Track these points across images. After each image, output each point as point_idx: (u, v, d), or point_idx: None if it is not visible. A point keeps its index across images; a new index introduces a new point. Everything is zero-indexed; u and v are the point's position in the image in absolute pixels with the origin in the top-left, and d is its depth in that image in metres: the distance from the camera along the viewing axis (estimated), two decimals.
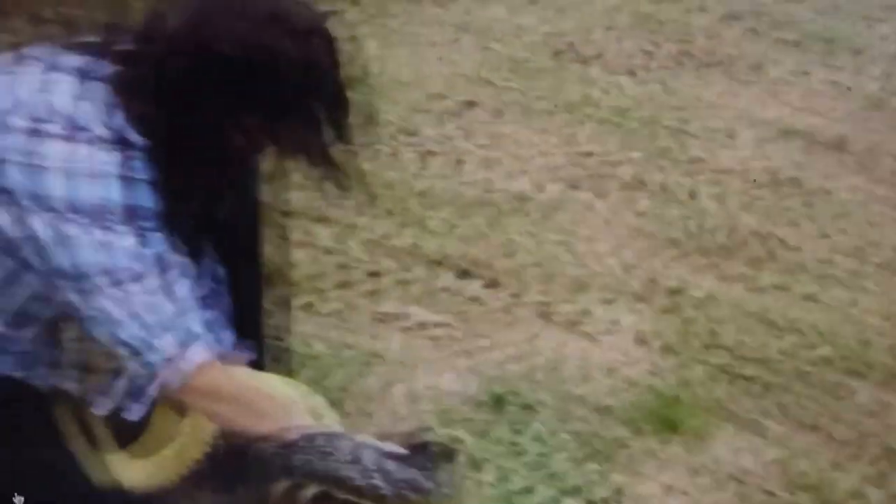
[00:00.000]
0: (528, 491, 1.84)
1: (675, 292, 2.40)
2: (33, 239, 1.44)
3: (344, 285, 2.36)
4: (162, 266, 1.47)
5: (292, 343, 2.10)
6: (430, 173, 2.84)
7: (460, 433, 1.95)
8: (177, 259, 1.50)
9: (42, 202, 1.42)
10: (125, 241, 1.44)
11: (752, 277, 2.47)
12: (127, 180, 1.44)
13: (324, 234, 2.52)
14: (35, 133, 1.42)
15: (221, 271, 1.69)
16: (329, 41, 1.51)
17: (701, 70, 3.45)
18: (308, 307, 2.27)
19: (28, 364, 1.64)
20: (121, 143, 1.44)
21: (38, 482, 1.55)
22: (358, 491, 1.56)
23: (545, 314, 2.31)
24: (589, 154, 2.96)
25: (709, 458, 1.96)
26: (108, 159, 1.43)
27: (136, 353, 1.48)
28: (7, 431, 1.56)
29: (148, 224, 1.46)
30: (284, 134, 1.50)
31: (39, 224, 1.43)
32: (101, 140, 1.43)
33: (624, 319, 2.31)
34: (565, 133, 3.06)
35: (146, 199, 1.46)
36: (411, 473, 1.59)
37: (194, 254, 1.59)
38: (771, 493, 1.91)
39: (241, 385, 1.58)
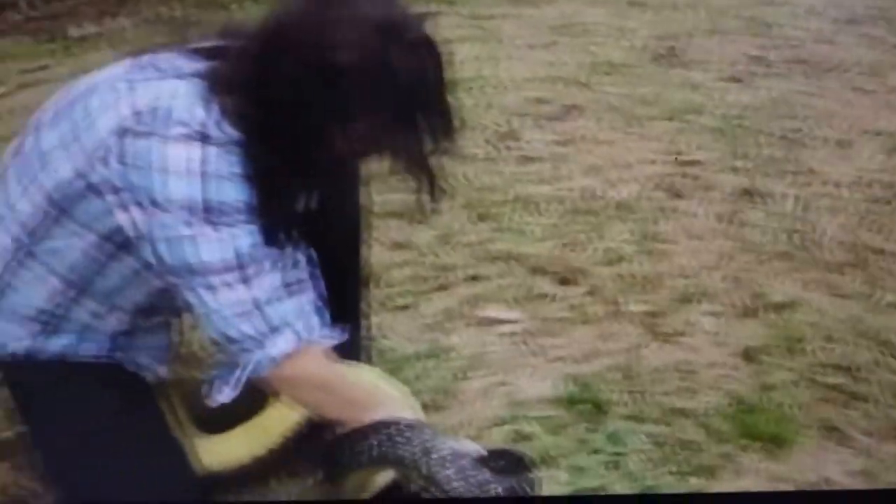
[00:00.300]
0: (602, 489, 1.80)
1: (780, 306, 2.31)
2: (149, 238, 1.46)
3: (441, 289, 2.35)
4: (255, 258, 1.49)
5: (383, 342, 2.11)
6: (529, 179, 2.80)
7: (535, 429, 1.91)
8: (268, 251, 1.52)
9: (154, 202, 1.44)
10: (225, 235, 1.46)
11: (867, 295, 2.37)
12: (223, 176, 1.46)
13: (422, 238, 2.51)
14: (147, 135, 1.45)
15: (315, 260, 1.69)
16: (437, 52, 1.51)
17: (812, 77, 3.35)
18: (403, 309, 2.27)
19: (141, 357, 1.69)
20: (218, 138, 1.45)
21: (142, 468, 1.59)
22: (431, 482, 1.57)
23: (644, 323, 2.25)
24: (694, 162, 2.89)
25: (791, 466, 1.88)
26: (207, 156, 1.45)
27: (239, 344, 1.51)
28: (116, 417, 1.61)
29: (241, 218, 1.47)
30: (387, 142, 1.50)
31: (154, 223, 1.46)
32: (202, 137, 1.45)
33: (716, 327, 2.24)
34: (668, 140, 3.00)
35: (241, 193, 1.47)
36: (486, 476, 1.59)
37: (286, 245, 1.59)
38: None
39: (329, 373, 1.59)
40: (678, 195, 2.74)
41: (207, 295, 1.48)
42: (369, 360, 1.91)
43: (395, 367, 2.01)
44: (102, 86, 1.53)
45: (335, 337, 1.64)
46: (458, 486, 1.57)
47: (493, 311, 2.27)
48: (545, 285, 2.36)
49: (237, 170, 1.46)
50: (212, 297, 1.48)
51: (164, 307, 1.69)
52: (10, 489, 1.74)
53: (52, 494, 1.70)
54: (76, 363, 1.63)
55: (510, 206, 2.65)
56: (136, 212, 1.46)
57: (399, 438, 1.58)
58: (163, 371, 1.73)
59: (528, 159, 2.93)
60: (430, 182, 1.52)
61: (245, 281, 1.48)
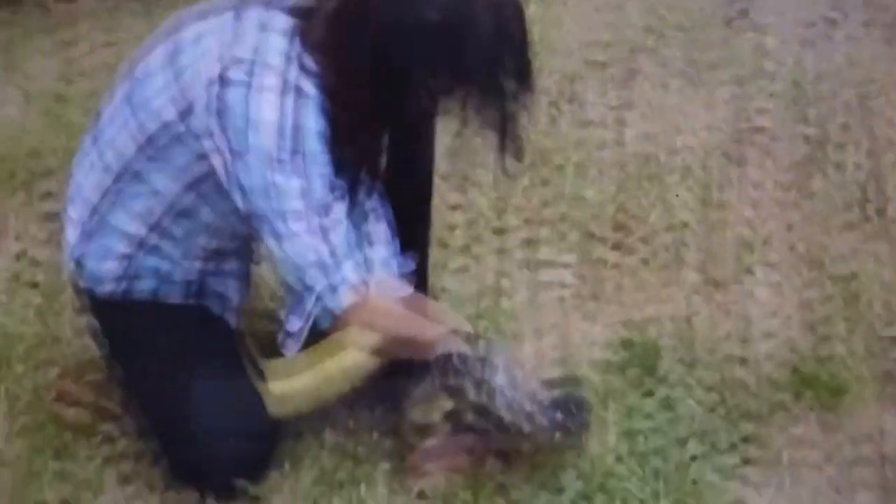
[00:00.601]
0: (653, 431, 1.83)
1: (842, 277, 2.29)
2: (238, 183, 1.55)
3: (499, 251, 2.37)
4: (330, 207, 1.58)
5: (444, 301, 2.14)
6: (590, 142, 2.79)
7: (587, 372, 1.96)
8: (342, 200, 1.61)
9: (249, 150, 1.52)
10: (306, 184, 1.55)
11: None
12: (310, 128, 1.54)
13: (482, 200, 2.52)
14: (243, 85, 1.53)
15: (384, 195, 1.79)
16: (520, 10, 1.56)
17: (891, 42, 3.24)
18: (463, 270, 2.30)
19: (222, 300, 1.81)
20: (307, 92, 1.53)
21: (219, 409, 1.71)
22: (486, 412, 1.67)
23: (701, 288, 2.25)
24: (759, 129, 2.84)
25: (845, 417, 1.89)
26: (297, 108, 1.53)
27: (310, 290, 1.59)
28: (198, 356, 1.74)
29: (322, 169, 1.56)
30: (470, 100, 1.55)
31: (243, 169, 1.54)
32: (293, 90, 1.53)
33: (776, 291, 2.25)
34: (734, 106, 2.95)
35: (324, 146, 1.56)
36: (549, 415, 1.69)
37: (361, 194, 1.71)
38: None
39: (394, 316, 1.67)
40: (741, 162, 2.71)
41: (282, 241, 1.56)
42: None
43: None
44: (205, 35, 1.61)
45: (405, 267, 1.76)
46: (510, 417, 1.65)
47: (548, 273, 2.30)
48: (601, 248, 2.37)
49: (323, 123, 1.54)
50: (287, 242, 1.56)
51: (242, 254, 1.80)
52: (93, 409, 1.85)
53: (132, 418, 1.81)
54: (163, 304, 1.75)
55: (569, 170, 2.64)
56: (228, 157, 1.54)
57: (460, 369, 1.66)
58: (238, 318, 1.84)
59: (589, 123, 2.91)
60: (513, 137, 1.58)
61: (320, 228, 1.56)
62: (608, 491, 1.70)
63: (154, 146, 1.62)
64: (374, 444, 1.79)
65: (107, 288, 1.73)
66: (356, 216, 1.77)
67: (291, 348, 1.65)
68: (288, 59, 1.54)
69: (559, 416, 1.69)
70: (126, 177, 1.66)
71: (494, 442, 1.76)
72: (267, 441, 1.76)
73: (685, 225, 2.45)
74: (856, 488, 1.76)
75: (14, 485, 1.70)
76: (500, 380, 1.66)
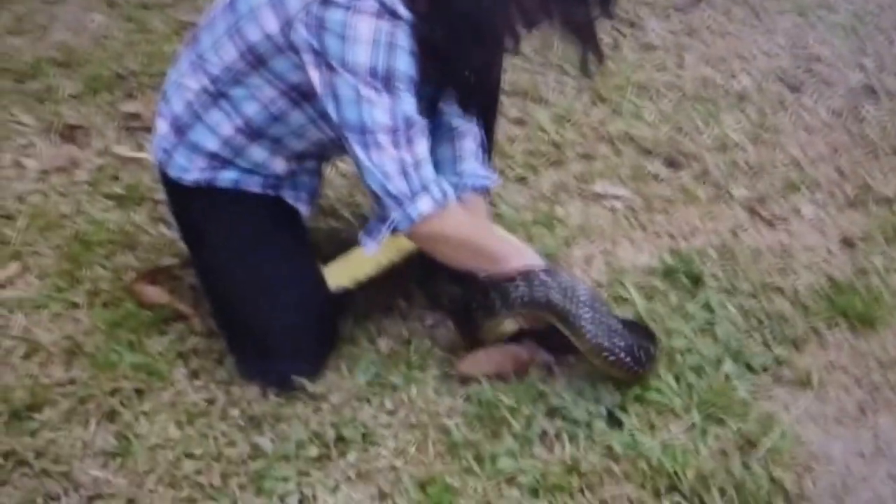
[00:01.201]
0: (690, 350, 1.87)
1: (886, 200, 2.34)
2: (333, 95, 1.64)
3: (557, 164, 2.44)
4: (414, 124, 1.66)
5: (498, 208, 2.23)
6: (650, 65, 2.85)
7: (631, 295, 2.00)
8: (424, 120, 1.69)
9: (345, 66, 1.61)
10: (395, 101, 1.63)
11: None
12: (403, 49, 1.62)
13: (542, 115, 2.59)
14: (343, 7, 1.59)
15: (476, 128, 1.90)
16: None
17: None
18: (520, 180, 2.37)
19: (296, 193, 1.91)
20: (392, 14, 1.60)
21: (283, 287, 1.81)
22: (570, 323, 1.70)
23: (748, 207, 2.31)
24: (817, 58, 2.88)
25: (875, 344, 1.93)
26: (392, 30, 1.61)
27: (387, 199, 1.69)
28: (273, 240, 1.84)
29: (409, 87, 1.65)
30: (558, 9, 1.61)
31: (338, 82, 1.63)
32: (390, 13, 1.60)
33: (819, 214, 2.28)
34: (794, 35, 2.99)
35: (413, 67, 1.64)
36: (616, 323, 1.71)
37: (444, 114, 1.80)
38: None
39: (466, 232, 1.76)
40: (796, 88, 2.75)
41: (369, 151, 1.66)
42: None
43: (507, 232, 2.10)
44: None
45: (491, 178, 1.87)
46: (591, 329, 1.69)
47: (602, 187, 2.36)
48: (654, 166, 2.43)
49: (414, 46, 1.62)
50: (374, 152, 1.66)
51: (320, 155, 1.90)
52: (169, 306, 1.96)
53: (202, 318, 1.92)
54: (242, 192, 1.84)
55: (628, 90, 2.70)
56: (325, 71, 1.63)
57: (544, 283, 1.71)
58: (310, 209, 1.94)
59: (650, 47, 2.96)
60: (595, 45, 1.64)
61: (402, 143, 1.66)
62: (644, 401, 1.75)
63: (254, 53, 1.70)
64: (425, 351, 1.86)
65: (192, 176, 1.82)
66: (444, 133, 1.86)
67: (370, 248, 1.74)
68: None
69: (634, 342, 1.71)
70: (224, 79, 1.74)
71: (543, 352, 1.80)
72: (327, 333, 1.85)
73: (737, 145, 2.51)
74: (879, 410, 1.79)
75: (92, 373, 1.80)
76: (583, 292, 1.70)
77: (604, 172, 2.41)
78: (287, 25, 1.63)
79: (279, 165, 1.84)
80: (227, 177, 1.83)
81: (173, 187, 1.87)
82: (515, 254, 1.77)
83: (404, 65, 1.62)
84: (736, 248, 2.16)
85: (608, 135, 2.54)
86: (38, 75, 2.71)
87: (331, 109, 1.65)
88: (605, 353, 1.70)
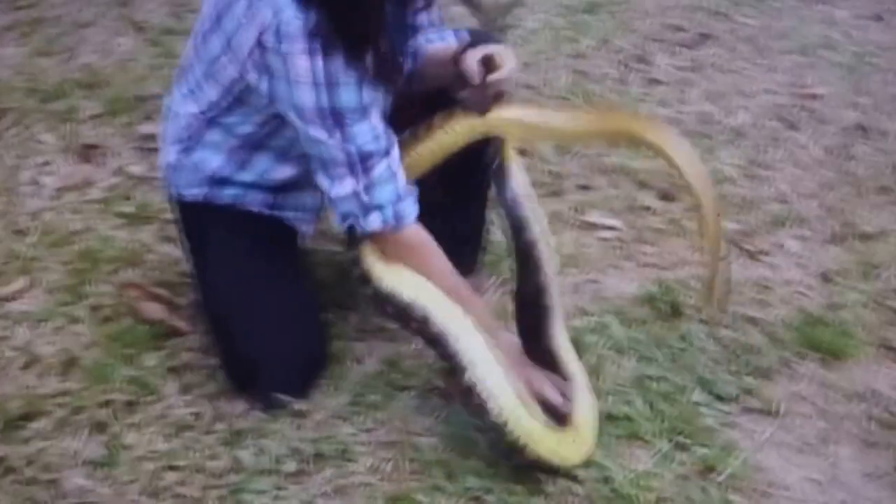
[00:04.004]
0: (663, 378, 1.93)
1: (868, 236, 2.38)
2: (296, 131, 1.74)
3: (555, 194, 2.50)
4: (364, 156, 1.72)
5: (491, 235, 2.25)
6: (653, 100, 2.91)
7: (612, 321, 2.05)
8: (378, 143, 1.74)
9: (294, 109, 1.69)
10: (346, 137, 1.70)
11: None
12: (334, 85, 1.67)
13: (545, 146, 2.65)
14: (275, 52, 1.66)
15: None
16: None
17: None
18: None
19: (293, 215, 1.97)
20: (315, 34, 1.64)
21: (274, 309, 1.86)
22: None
23: (734, 240, 2.35)
24: (814, 96, 2.93)
25: (843, 377, 1.97)
26: (320, 69, 1.66)
27: (344, 220, 1.78)
28: (262, 266, 1.90)
29: (358, 118, 1.71)
30: None
31: (297, 125, 1.72)
32: (311, 46, 1.65)
33: (801, 249, 2.32)
34: (794, 73, 3.04)
35: (355, 94, 1.69)
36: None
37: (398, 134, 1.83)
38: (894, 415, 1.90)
39: (416, 263, 1.78)
40: (792, 126, 2.81)
41: (332, 182, 1.75)
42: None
43: (497, 259, 2.19)
44: None
45: (461, 37, 1.87)
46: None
47: (596, 217, 2.42)
48: (648, 199, 2.49)
49: (351, 74, 1.68)
50: (336, 185, 1.75)
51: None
52: (166, 322, 2.03)
53: (198, 335, 1.99)
54: (243, 211, 1.92)
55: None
56: (283, 111, 1.74)
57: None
58: (313, 229, 2.01)
59: (654, 82, 3.02)
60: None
61: (359, 172, 1.74)
62: (614, 419, 1.80)
63: (232, 93, 1.78)
64: (408, 372, 1.91)
65: (192, 192, 1.90)
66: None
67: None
68: (300, 18, 1.64)
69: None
70: (215, 111, 1.83)
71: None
72: (316, 356, 1.90)
73: (728, 179, 2.57)
74: (840, 441, 1.83)
75: (86, 385, 1.87)
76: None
77: (599, 203, 2.46)
78: (243, 70, 1.73)
79: (286, 172, 1.90)
80: (227, 193, 1.91)
81: (176, 204, 1.95)
82: (466, 300, 1.79)
83: (349, 97, 1.69)
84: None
85: (605, 167, 2.60)
86: (62, 96, 2.82)
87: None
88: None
